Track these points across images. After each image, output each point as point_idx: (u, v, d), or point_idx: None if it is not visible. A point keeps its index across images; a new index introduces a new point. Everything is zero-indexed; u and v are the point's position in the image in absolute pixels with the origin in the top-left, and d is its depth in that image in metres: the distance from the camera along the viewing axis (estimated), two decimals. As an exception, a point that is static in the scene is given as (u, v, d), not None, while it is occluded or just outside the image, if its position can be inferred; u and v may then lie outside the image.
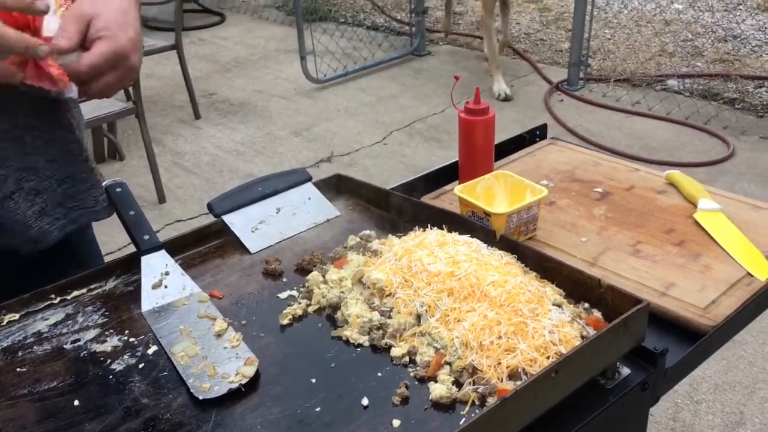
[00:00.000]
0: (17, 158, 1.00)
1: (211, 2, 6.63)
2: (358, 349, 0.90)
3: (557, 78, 4.56)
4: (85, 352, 0.91)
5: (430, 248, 0.96)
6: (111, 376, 0.87)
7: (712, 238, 1.18)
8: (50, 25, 0.87)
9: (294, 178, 1.22)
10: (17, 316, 0.97)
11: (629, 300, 0.86)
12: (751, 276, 1.08)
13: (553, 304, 0.88)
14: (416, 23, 5.11)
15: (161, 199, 3.37)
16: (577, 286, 0.92)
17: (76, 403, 0.83)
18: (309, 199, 1.20)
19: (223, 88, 4.73)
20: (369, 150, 3.81)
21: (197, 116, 4.24)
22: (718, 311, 1.01)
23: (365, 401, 0.81)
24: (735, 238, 1.17)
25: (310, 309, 0.97)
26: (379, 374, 0.86)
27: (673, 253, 1.15)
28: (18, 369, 0.88)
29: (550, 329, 0.83)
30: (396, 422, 0.78)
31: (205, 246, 1.13)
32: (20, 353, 0.91)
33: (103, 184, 1.12)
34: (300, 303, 0.97)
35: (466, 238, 0.99)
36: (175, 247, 1.08)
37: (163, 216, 3.26)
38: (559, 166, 1.45)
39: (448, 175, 1.40)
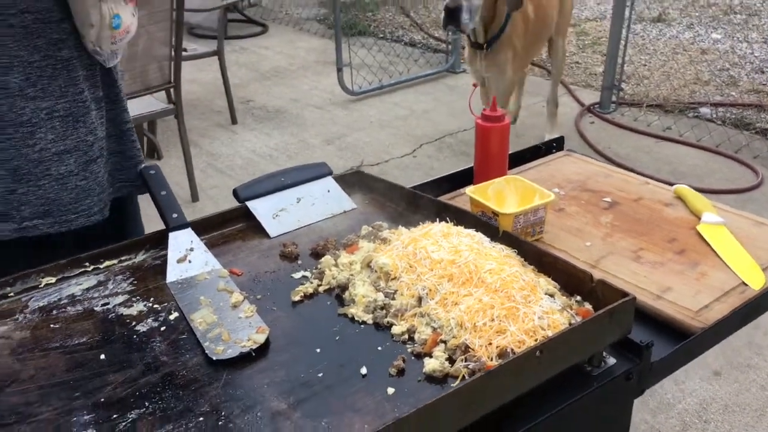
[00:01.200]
0: (101, 128, 1.16)
1: (255, 13, 6.81)
2: (362, 326, 0.97)
3: (590, 101, 4.60)
4: (113, 314, 0.99)
5: (435, 238, 1.03)
6: (135, 336, 0.95)
7: (712, 249, 1.23)
8: None
9: (315, 171, 1.29)
10: (54, 279, 1.06)
11: (618, 294, 0.92)
12: (746, 285, 1.13)
13: (546, 294, 0.94)
14: (453, 41, 5.20)
15: (194, 197, 3.49)
16: (571, 280, 0.98)
17: (102, 357, 0.91)
18: (328, 191, 1.28)
19: (260, 96, 4.86)
20: (398, 161, 3.89)
21: (234, 121, 4.36)
22: (709, 315, 1.06)
23: (364, 370, 0.88)
24: (734, 250, 1.21)
25: (321, 288, 1.04)
26: (380, 348, 0.92)
27: (672, 260, 1.20)
28: (51, 325, 0.97)
29: (540, 315, 0.89)
30: (390, 390, 0.85)
31: (228, 228, 1.21)
32: (54, 312, 1.00)
33: (140, 167, 1.22)
34: (312, 282, 1.05)
35: (470, 231, 1.05)
36: (200, 227, 1.16)
37: (195, 214, 3.35)
38: (572, 176, 1.50)
39: (464, 179, 1.46)
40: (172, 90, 3.36)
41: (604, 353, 0.94)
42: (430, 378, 0.87)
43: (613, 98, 4.49)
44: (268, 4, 7.02)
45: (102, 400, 0.84)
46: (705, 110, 4.44)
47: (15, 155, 1.08)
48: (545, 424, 0.87)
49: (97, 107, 1.17)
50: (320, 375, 0.87)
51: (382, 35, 6.13)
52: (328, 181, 1.29)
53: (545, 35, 3.69)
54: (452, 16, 3.06)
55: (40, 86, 1.08)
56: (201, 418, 0.81)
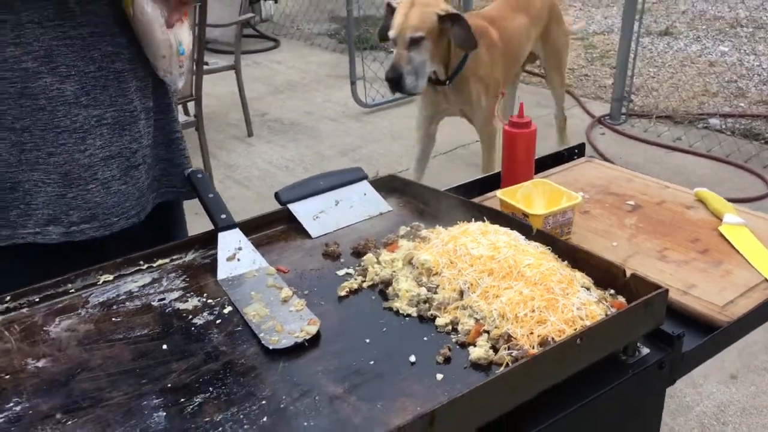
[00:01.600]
0: (148, 137, 1.22)
1: (267, 28, 6.92)
2: (407, 318, 1.02)
3: (600, 112, 4.66)
4: (169, 308, 1.05)
5: (474, 236, 1.08)
6: (193, 328, 1.01)
7: (734, 248, 1.28)
8: None
9: (352, 176, 1.35)
10: (111, 277, 1.11)
11: (651, 286, 0.97)
12: (769, 282, 1.18)
13: (582, 287, 0.99)
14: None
15: (213, 208, 3.56)
16: (604, 275, 1.03)
17: (164, 347, 0.96)
18: (364, 194, 1.33)
19: (275, 109, 4.94)
20: (412, 173, 3.95)
21: (250, 134, 4.44)
22: (734, 309, 1.11)
23: (413, 358, 0.93)
24: (756, 249, 1.27)
25: (365, 284, 1.10)
26: (425, 339, 0.97)
27: (696, 259, 1.25)
28: (113, 319, 1.03)
29: (578, 306, 0.94)
30: (439, 376, 0.90)
31: (271, 230, 1.27)
32: (114, 307, 1.05)
33: (187, 171, 1.28)
34: (356, 279, 1.10)
35: (506, 229, 1.11)
36: (246, 228, 1.22)
37: (215, 224, 3.43)
38: (595, 180, 1.56)
39: (491, 184, 1.52)
40: (190, 103, 3.44)
41: (638, 344, 0.99)
42: (476, 365, 0.92)
43: (623, 110, 4.56)
44: (279, 20, 7.13)
45: (168, 385, 0.89)
46: (714, 121, 4.50)
47: (67, 160, 1.14)
48: (583, 410, 0.92)
49: (146, 117, 1.23)
50: (371, 363, 0.93)
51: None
52: (364, 185, 1.35)
53: (519, 56, 3.44)
54: (396, 85, 2.79)
55: (92, 95, 1.14)
56: (263, 402, 0.86)
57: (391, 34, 2.82)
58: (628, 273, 1.01)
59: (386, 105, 4.90)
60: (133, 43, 1.18)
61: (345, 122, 4.69)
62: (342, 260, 1.17)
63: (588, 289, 1.00)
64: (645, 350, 0.99)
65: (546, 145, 4.09)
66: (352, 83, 4.66)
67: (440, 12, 2.78)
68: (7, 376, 0.91)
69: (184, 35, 1.20)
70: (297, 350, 0.96)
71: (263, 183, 3.83)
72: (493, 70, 3.14)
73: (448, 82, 3.00)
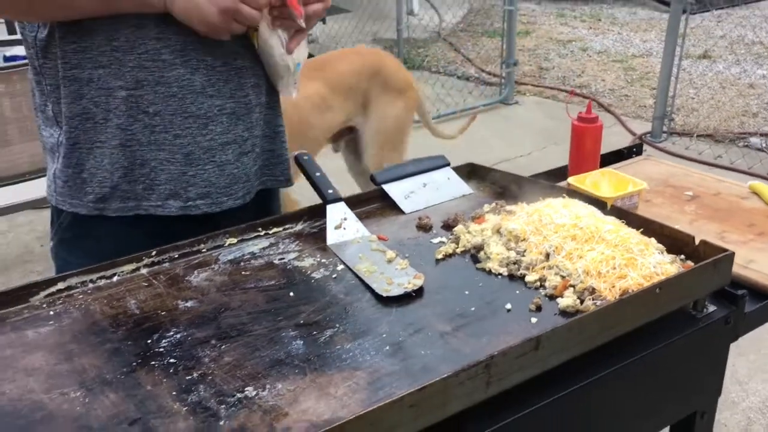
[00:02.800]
0: (258, 128, 1.37)
1: (313, 49, 7.16)
2: (498, 277, 1.16)
3: (640, 131, 4.78)
4: (290, 265, 1.21)
5: (556, 208, 1.22)
6: (313, 281, 1.16)
7: (788, 231, 1.40)
8: None
9: (437, 162, 1.51)
10: (235, 240, 1.28)
11: (718, 250, 1.10)
12: (822, 259, 1.30)
13: (656, 251, 1.13)
14: (506, 74, 5.44)
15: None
16: (675, 243, 1.17)
17: (291, 294, 1.12)
18: (448, 179, 1.49)
19: (324, 124, 5.14)
20: (459, 184, 4.11)
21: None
22: (791, 280, 1.23)
23: (508, 306, 1.07)
24: (808, 232, 1.39)
25: (458, 250, 1.24)
26: (517, 292, 1.12)
27: (754, 240, 1.38)
28: (243, 273, 1.19)
29: (654, 264, 1.08)
30: (533, 319, 1.04)
31: (368, 206, 1.42)
32: (242, 264, 1.21)
33: (294, 153, 1.44)
34: (450, 245, 1.25)
35: (585, 203, 1.25)
36: (347, 204, 1.38)
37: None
38: (654, 175, 1.69)
39: (558, 176, 1.66)
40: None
41: (706, 302, 1.12)
42: (564, 313, 1.06)
43: (664, 128, 4.67)
44: (325, 42, 7.38)
45: (301, 322, 1.04)
46: (755, 140, 4.59)
47: (190, 142, 1.30)
48: (657, 354, 1.06)
49: (258, 111, 1.38)
50: (472, 309, 1.07)
51: (435, 69, 6.41)
52: (448, 171, 1.50)
53: (307, 131, 2.79)
54: None
55: (216, 87, 1.30)
56: (383, 335, 1.01)
57: None
58: (697, 240, 1.14)
59: (433, 121, 5.06)
60: (253, 47, 1.35)
61: (392, 137, 4.87)
62: (434, 231, 1.32)
63: (662, 252, 1.13)
64: (712, 308, 1.12)
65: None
66: (400, 99, 4.84)
67: None
68: (163, 313, 1.07)
69: (300, 53, 1.35)
70: (406, 299, 1.10)
71: (309, 193, 4.00)
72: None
73: None
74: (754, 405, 2.28)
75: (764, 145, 4.51)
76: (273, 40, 1.27)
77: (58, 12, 1.22)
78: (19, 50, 3.28)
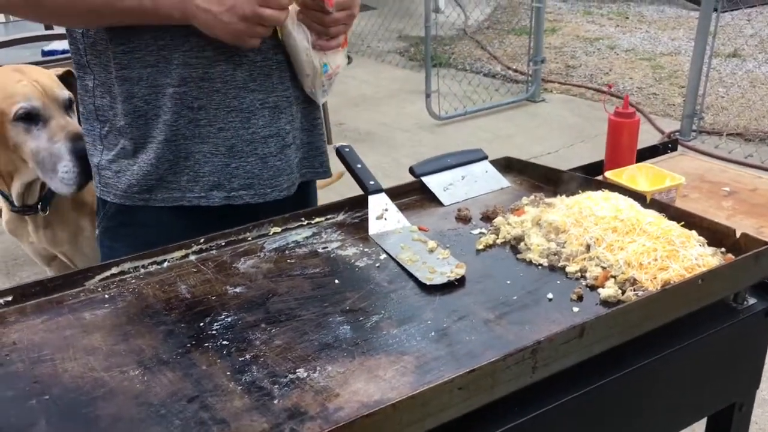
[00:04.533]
0: (298, 121, 1.39)
1: (339, 45, 7.20)
2: (539, 267, 1.18)
3: (669, 129, 4.75)
4: (333, 254, 1.24)
5: (597, 200, 1.24)
6: (357, 269, 1.19)
7: (827, 227, 1.40)
8: None
9: (474, 155, 1.53)
10: (279, 229, 1.31)
11: (759, 243, 1.11)
12: None
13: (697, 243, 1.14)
14: (533, 72, 5.43)
15: (299, 208, 3.78)
16: (715, 236, 1.18)
17: (336, 281, 1.15)
18: (486, 172, 1.51)
19: (351, 120, 5.18)
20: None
21: (330, 141, 4.67)
22: (831, 275, 1.24)
23: (550, 295, 1.09)
24: None
25: (498, 241, 1.26)
26: (558, 282, 1.13)
27: (792, 235, 1.38)
28: (288, 261, 1.22)
29: (696, 257, 1.09)
30: (575, 308, 1.06)
31: (408, 198, 1.44)
32: (287, 252, 1.25)
33: (335, 146, 1.47)
34: (490, 237, 1.27)
35: (625, 197, 1.26)
36: (387, 195, 1.40)
37: (301, 223, 3.64)
38: (690, 170, 1.70)
39: (594, 171, 1.67)
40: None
41: (746, 294, 1.13)
42: (606, 303, 1.07)
43: (694, 126, 4.63)
44: (350, 39, 7.40)
45: (347, 308, 1.07)
46: (786, 139, 4.54)
47: (234, 135, 1.34)
48: (697, 345, 1.07)
49: (297, 103, 1.41)
50: (514, 298, 1.09)
51: (461, 66, 6.42)
52: (485, 164, 1.52)
53: None
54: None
55: (258, 81, 1.33)
56: (429, 322, 1.03)
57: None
58: (738, 233, 1.15)
59: (459, 117, 5.09)
60: None
61: (419, 133, 4.89)
62: (473, 223, 1.34)
63: (702, 245, 1.14)
64: (752, 300, 1.13)
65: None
66: (427, 96, 4.87)
67: None
68: (213, 297, 1.10)
69: (334, 58, 1.36)
70: (449, 287, 1.13)
71: (343, 185, 4.03)
72: None
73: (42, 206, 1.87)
74: (786, 403, 2.27)
75: (796, 144, 4.47)
76: (297, 33, 1.29)
77: (86, 23, 1.27)
78: (58, 45, 3.35)
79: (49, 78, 1.78)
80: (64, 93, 1.76)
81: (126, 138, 1.31)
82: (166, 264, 1.20)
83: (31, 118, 1.70)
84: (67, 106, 1.77)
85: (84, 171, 1.67)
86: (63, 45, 3.21)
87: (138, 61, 1.26)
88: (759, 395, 2.35)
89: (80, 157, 1.66)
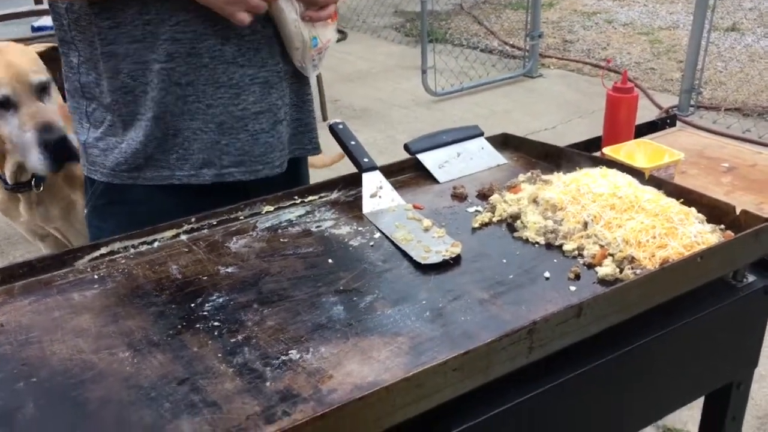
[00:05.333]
0: (288, 96, 1.36)
1: (334, 21, 7.12)
2: (535, 246, 1.16)
3: (667, 104, 4.72)
4: (327, 233, 1.22)
5: (594, 177, 1.22)
6: (351, 249, 1.17)
7: (827, 203, 1.39)
8: None
9: (470, 132, 1.50)
10: (272, 208, 1.29)
11: (760, 220, 1.09)
12: None
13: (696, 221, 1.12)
14: (531, 47, 5.38)
15: (294, 186, 3.76)
16: (714, 212, 1.16)
17: (330, 261, 1.13)
18: (482, 148, 1.48)
19: (346, 96, 5.13)
20: (483, 157, 4.09)
21: (325, 118, 4.63)
22: (831, 252, 1.22)
23: (547, 274, 1.07)
24: None
25: (494, 219, 1.24)
26: (555, 261, 1.12)
27: (792, 211, 1.36)
28: (281, 240, 1.20)
29: (695, 234, 1.07)
30: (572, 288, 1.04)
31: (403, 176, 1.42)
32: (279, 231, 1.22)
33: (328, 123, 1.44)
34: (486, 214, 1.25)
35: (623, 173, 1.24)
36: (381, 173, 1.38)
37: (297, 200, 3.62)
38: (688, 146, 1.68)
39: (592, 147, 1.64)
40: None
41: (746, 272, 1.12)
42: (603, 281, 1.06)
43: (692, 101, 4.60)
44: (346, 14, 7.33)
45: (341, 288, 1.05)
46: (785, 114, 4.51)
47: (223, 112, 1.31)
48: (697, 323, 1.06)
49: (287, 78, 1.38)
50: (511, 277, 1.07)
51: (458, 42, 6.35)
52: (481, 141, 1.50)
53: None
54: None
55: (248, 56, 1.30)
56: (423, 302, 1.02)
57: None
58: (738, 210, 1.13)
59: (456, 94, 5.04)
60: None
61: (415, 109, 4.85)
62: (469, 200, 1.32)
63: (702, 222, 1.12)
64: (752, 277, 1.12)
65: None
66: (423, 72, 4.82)
67: None
68: (205, 278, 1.08)
69: (323, 31, 1.33)
70: (444, 266, 1.11)
71: (344, 163, 4.01)
72: None
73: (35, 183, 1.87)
74: (782, 379, 2.27)
75: (794, 119, 4.44)
76: (285, 4, 1.26)
77: None
78: (47, 20, 3.29)
79: (27, 59, 1.75)
80: (39, 77, 1.74)
81: (113, 115, 1.28)
82: (156, 244, 1.18)
83: (2, 104, 1.69)
84: (41, 90, 1.75)
85: (55, 158, 1.69)
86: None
87: (124, 36, 1.23)
88: (756, 371, 2.35)
89: (48, 146, 1.67)
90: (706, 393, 1.22)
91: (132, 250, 1.15)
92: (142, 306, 1.01)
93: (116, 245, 1.15)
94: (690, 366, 1.11)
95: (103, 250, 1.13)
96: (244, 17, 1.20)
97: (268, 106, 1.34)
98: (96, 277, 1.09)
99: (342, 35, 6.71)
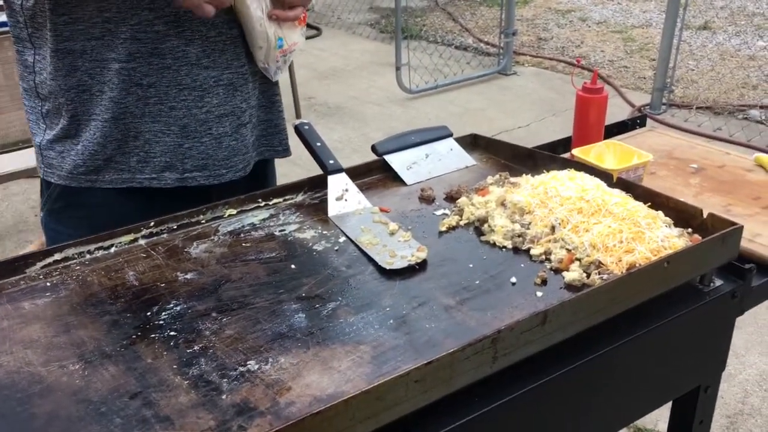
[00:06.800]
0: (254, 98, 1.32)
1: (309, 17, 7.06)
2: (503, 250, 1.14)
3: (639, 102, 4.74)
4: (291, 237, 1.19)
5: (562, 180, 1.20)
6: (315, 253, 1.14)
7: (794, 205, 1.39)
8: None
9: (439, 133, 1.48)
10: (235, 211, 1.25)
11: (727, 223, 1.08)
12: (828, 233, 1.28)
13: (663, 224, 1.11)
14: (505, 44, 5.38)
15: (267, 184, 3.71)
16: (682, 216, 1.15)
17: (293, 266, 1.10)
18: (451, 149, 1.46)
19: (321, 93, 5.09)
20: (457, 155, 4.08)
21: (298, 116, 4.59)
22: (797, 254, 1.22)
23: (513, 279, 1.06)
24: (815, 206, 1.37)
25: (461, 223, 1.22)
26: (522, 265, 1.10)
27: (759, 213, 1.36)
28: (243, 244, 1.16)
29: (662, 238, 1.06)
30: (539, 293, 1.02)
31: (369, 178, 1.40)
32: (242, 235, 1.19)
33: (294, 123, 1.41)
34: (453, 218, 1.23)
35: (591, 176, 1.23)
36: (348, 174, 1.35)
37: (269, 199, 3.58)
38: (658, 147, 1.67)
39: (562, 148, 1.63)
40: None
41: (713, 276, 1.11)
42: (570, 287, 1.04)
43: (664, 99, 4.63)
44: (321, 10, 7.28)
45: (303, 294, 1.03)
46: (754, 112, 4.56)
47: (186, 114, 1.27)
48: (664, 329, 1.05)
49: (253, 80, 1.35)
50: (477, 282, 1.05)
51: (433, 39, 6.34)
52: (450, 142, 1.47)
53: None
54: None
55: (212, 58, 1.26)
56: (387, 309, 0.99)
57: None
58: (705, 213, 1.12)
59: (431, 91, 5.02)
60: None
61: (389, 107, 4.82)
62: (437, 203, 1.30)
63: (669, 226, 1.11)
64: (719, 282, 1.11)
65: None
66: (397, 69, 4.79)
67: None
68: (162, 285, 1.05)
69: (290, 34, 1.30)
70: (409, 272, 1.09)
71: (313, 163, 3.97)
72: None
73: None
74: (751, 377, 2.29)
75: (764, 117, 4.49)
76: (251, 0, 1.23)
77: None
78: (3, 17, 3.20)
79: None
80: None
81: (69, 114, 1.24)
82: (113, 249, 1.14)
83: None
84: None
85: None
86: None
87: (81, 33, 1.19)
88: (726, 370, 2.37)
89: None
90: (674, 398, 1.22)
91: (87, 256, 1.12)
92: (96, 315, 0.98)
93: (70, 251, 1.11)
94: (657, 371, 1.10)
95: (57, 257, 1.09)
96: (209, 9, 1.16)
97: (231, 108, 1.31)
98: (48, 284, 1.05)
99: (317, 31, 6.66)
